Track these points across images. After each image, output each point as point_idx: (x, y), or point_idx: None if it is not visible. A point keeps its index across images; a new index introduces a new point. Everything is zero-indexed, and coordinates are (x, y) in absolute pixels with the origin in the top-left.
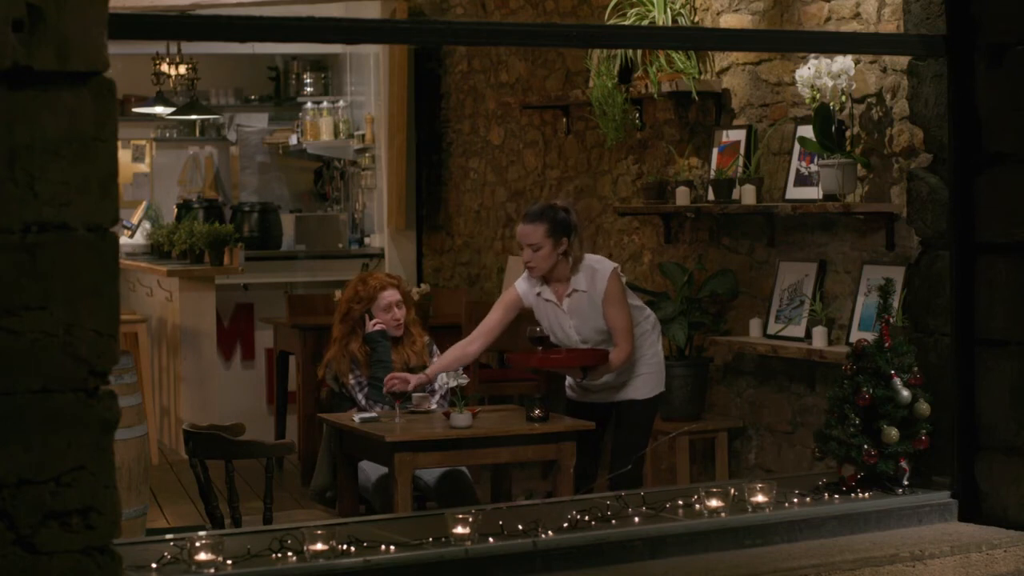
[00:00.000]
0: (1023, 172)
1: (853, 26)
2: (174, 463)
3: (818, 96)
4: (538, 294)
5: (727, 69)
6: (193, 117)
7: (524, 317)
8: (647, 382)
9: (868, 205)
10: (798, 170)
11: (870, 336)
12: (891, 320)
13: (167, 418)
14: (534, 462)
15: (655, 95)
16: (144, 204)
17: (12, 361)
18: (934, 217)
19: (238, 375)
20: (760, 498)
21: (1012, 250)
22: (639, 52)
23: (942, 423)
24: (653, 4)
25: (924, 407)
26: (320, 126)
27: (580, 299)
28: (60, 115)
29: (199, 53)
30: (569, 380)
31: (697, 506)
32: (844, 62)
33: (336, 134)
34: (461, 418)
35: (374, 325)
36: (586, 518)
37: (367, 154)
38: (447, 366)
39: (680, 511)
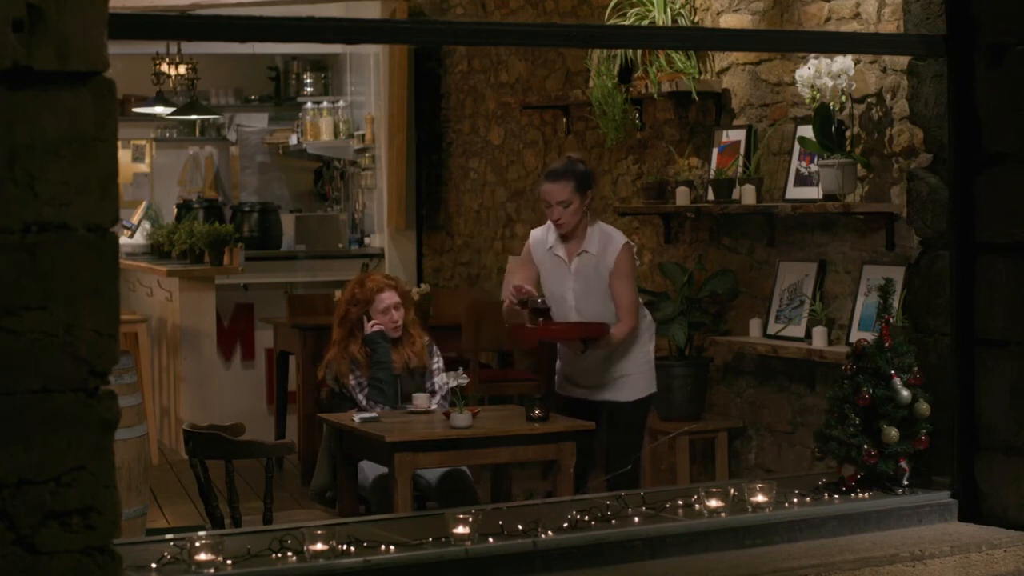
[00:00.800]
0: (1023, 172)
1: (853, 26)
2: (174, 463)
3: (818, 96)
4: (549, 248)
5: (727, 69)
6: (193, 117)
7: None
8: (634, 384)
9: (868, 205)
10: (798, 170)
11: (870, 336)
12: (891, 320)
13: (167, 418)
14: (534, 462)
15: (655, 95)
16: (144, 204)
17: (12, 361)
18: (934, 217)
19: (238, 375)
20: (760, 498)
21: (1012, 250)
22: (639, 52)
23: (942, 423)
24: (653, 4)
25: (924, 407)
26: (320, 126)
27: (588, 261)
28: (60, 115)
29: (199, 53)
30: (559, 371)
31: (697, 506)
32: (844, 62)
33: (336, 134)
34: (461, 418)
35: (372, 327)
36: (586, 518)
37: (367, 154)
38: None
39: (680, 511)
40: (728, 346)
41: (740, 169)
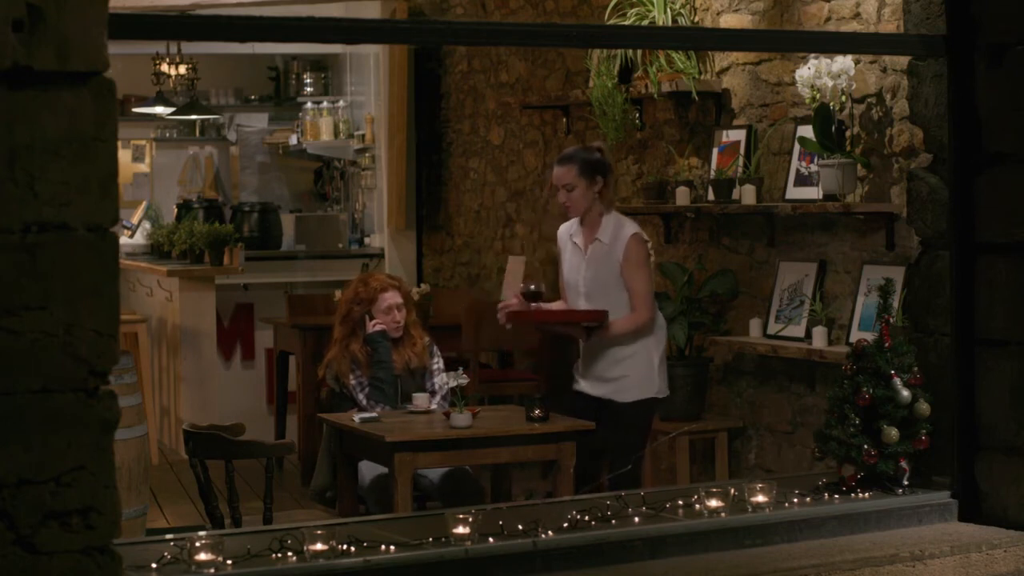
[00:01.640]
0: (1023, 172)
1: (853, 26)
2: (174, 463)
3: (818, 96)
4: (571, 236)
5: (727, 69)
6: (193, 117)
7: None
8: (632, 386)
9: (868, 205)
10: (798, 170)
11: (870, 336)
12: (891, 320)
13: (167, 418)
14: (534, 462)
15: (655, 95)
16: (144, 204)
17: (12, 361)
18: (934, 217)
19: (238, 375)
20: (760, 498)
21: (1012, 250)
22: (639, 52)
23: (942, 423)
24: (653, 4)
25: (924, 407)
26: (320, 126)
27: (600, 250)
28: (60, 115)
29: (199, 53)
30: (579, 360)
31: (697, 506)
32: (844, 62)
33: (336, 134)
34: (461, 418)
35: (374, 326)
36: (586, 518)
37: (367, 154)
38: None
39: (680, 511)
40: (728, 346)
41: (740, 169)
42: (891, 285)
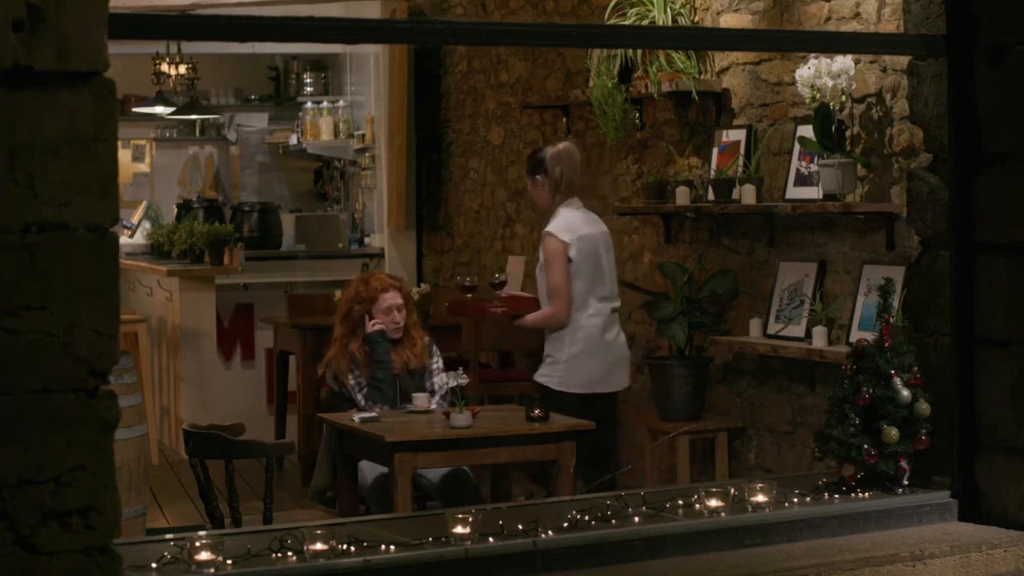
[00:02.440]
0: (1023, 172)
1: (853, 26)
2: (174, 463)
3: (818, 96)
4: None
5: (727, 69)
6: (193, 117)
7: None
8: (553, 372)
9: (868, 205)
10: (798, 170)
11: (870, 336)
12: (891, 320)
13: (167, 418)
14: (534, 462)
15: (655, 95)
16: (144, 204)
17: (12, 361)
18: (934, 217)
19: (238, 375)
20: (760, 498)
21: (1012, 250)
22: (639, 52)
23: (942, 423)
24: (653, 4)
25: (924, 407)
26: (320, 126)
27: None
28: (60, 115)
29: (199, 53)
30: None
31: (697, 506)
32: (844, 62)
33: (336, 134)
34: (461, 418)
35: (373, 326)
36: (586, 518)
37: (367, 154)
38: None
39: (680, 511)
40: (728, 346)
41: (740, 169)
42: (891, 285)
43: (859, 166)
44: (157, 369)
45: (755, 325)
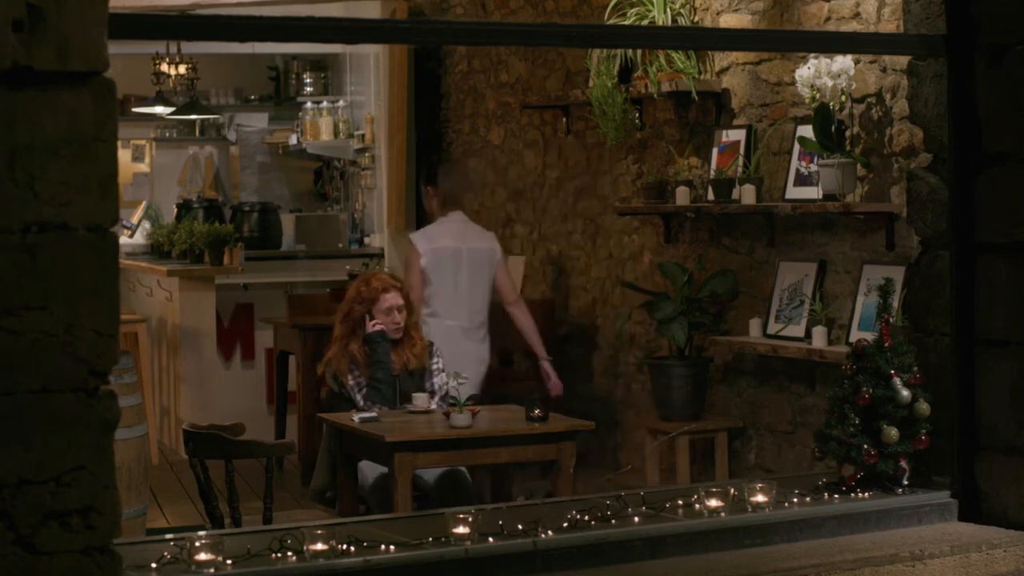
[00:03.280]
0: (1023, 172)
1: (853, 26)
2: (174, 463)
3: (818, 96)
4: None
5: (727, 69)
6: (193, 117)
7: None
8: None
9: (868, 205)
10: (798, 170)
11: (870, 336)
12: (891, 320)
13: (167, 418)
14: (534, 462)
15: (655, 95)
16: (144, 204)
17: (12, 361)
18: (934, 217)
19: (238, 375)
20: (760, 498)
21: (1012, 250)
22: (639, 52)
23: (942, 423)
24: (653, 4)
25: (924, 407)
26: (320, 126)
27: None
28: (60, 115)
29: (199, 53)
30: None
31: (697, 506)
32: (844, 62)
33: (336, 134)
34: (461, 418)
35: (374, 326)
36: (586, 518)
37: (367, 154)
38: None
39: (680, 511)
40: (728, 346)
41: (740, 169)
42: (891, 285)
43: (859, 166)
44: (157, 369)
45: (755, 325)
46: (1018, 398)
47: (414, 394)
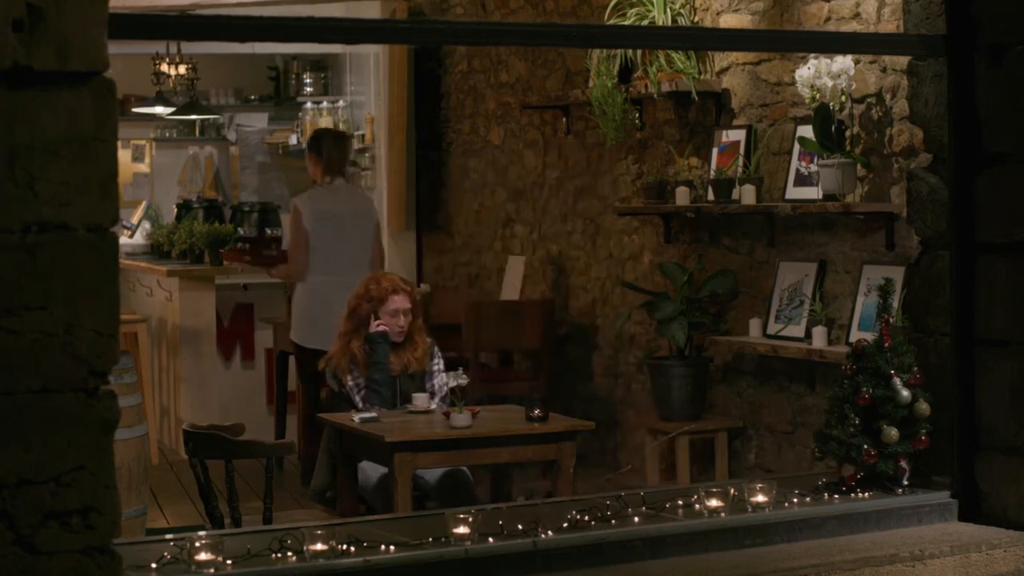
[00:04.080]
0: (1023, 172)
1: (853, 26)
2: (174, 463)
3: (818, 96)
4: None
5: (727, 69)
6: (193, 117)
7: None
8: (292, 323)
9: (868, 205)
10: (798, 170)
11: (870, 336)
12: (891, 320)
13: (167, 418)
14: (534, 462)
15: (655, 95)
16: (144, 204)
17: (12, 361)
18: (934, 217)
19: (238, 375)
20: (760, 498)
21: (1012, 250)
22: (639, 52)
23: (942, 423)
24: (653, 4)
25: (924, 407)
26: (320, 126)
27: None
28: (60, 115)
29: (199, 53)
30: None
31: (697, 506)
32: (844, 62)
33: None
34: (461, 418)
35: (377, 326)
36: (586, 518)
37: (367, 154)
38: None
39: (680, 511)
40: (728, 346)
41: (740, 169)
42: (891, 285)
43: (859, 166)
44: (157, 369)
45: (755, 325)
46: (1018, 398)
47: (414, 394)
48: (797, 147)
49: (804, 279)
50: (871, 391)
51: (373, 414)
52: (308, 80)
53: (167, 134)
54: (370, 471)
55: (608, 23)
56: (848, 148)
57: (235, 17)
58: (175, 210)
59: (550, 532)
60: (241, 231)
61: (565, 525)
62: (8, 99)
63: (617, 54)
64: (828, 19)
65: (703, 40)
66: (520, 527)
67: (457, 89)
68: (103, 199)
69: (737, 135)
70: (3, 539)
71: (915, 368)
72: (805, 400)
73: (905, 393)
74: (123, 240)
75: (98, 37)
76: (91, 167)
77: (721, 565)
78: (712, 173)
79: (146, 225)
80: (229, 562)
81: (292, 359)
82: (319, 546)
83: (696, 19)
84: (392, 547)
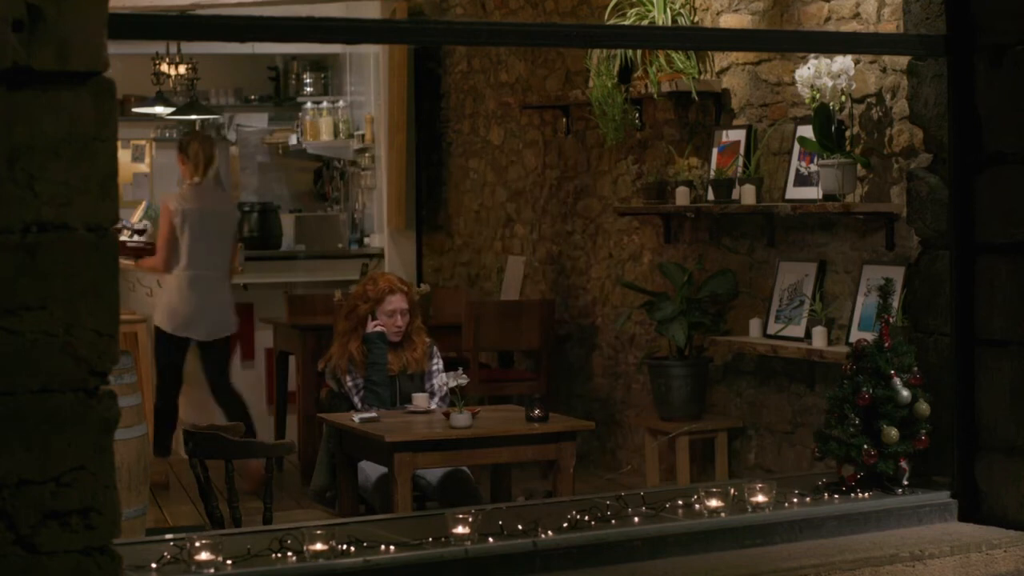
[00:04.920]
0: (1023, 172)
1: (853, 26)
2: (174, 463)
3: (818, 96)
4: None
5: (727, 69)
6: (193, 117)
7: None
8: (160, 312)
9: (868, 205)
10: (798, 170)
11: (870, 336)
12: (891, 320)
13: None
14: (534, 462)
15: (655, 95)
16: (144, 204)
17: (12, 361)
18: (934, 217)
19: (238, 375)
20: (760, 498)
21: (1012, 250)
22: (639, 52)
23: (942, 423)
24: (653, 4)
25: (924, 407)
26: (320, 126)
27: None
28: (60, 115)
29: (199, 53)
30: None
31: (697, 506)
32: (844, 62)
33: (336, 134)
34: (461, 418)
35: (375, 326)
36: (586, 518)
37: (367, 154)
38: None
39: (680, 511)
40: (728, 346)
41: (740, 169)
42: (891, 285)
43: (859, 166)
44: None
45: (755, 325)
46: (1018, 398)
47: (414, 394)
48: (797, 147)
49: (804, 279)
50: (871, 391)
51: (373, 414)
52: (308, 80)
53: (167, 134)
54: (370, 471)
55: (608, 23)
56: (848, 148)
57: (235, 17)
58: None
59: (550, 532)
60: (126, 222)
61: (565, 525)
62: (8, 99)
63: (617, 54)
64: (828, 19)
65: (703, 40)
66: (520, 527)
67: (457, 89)
68: (103, 199)
69: (737, 135)
70: (3, 539)
71: (915, 368)
72: (805, 400)
73: (905, 393)
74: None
75: (98, 37)
76: (91, 167)
77: (721, 565)
78: (712, 173)
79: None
80: (229, 562)
81: (292, 359)
82: (319, 546)
83: (696, 19)
84: (392, 547)
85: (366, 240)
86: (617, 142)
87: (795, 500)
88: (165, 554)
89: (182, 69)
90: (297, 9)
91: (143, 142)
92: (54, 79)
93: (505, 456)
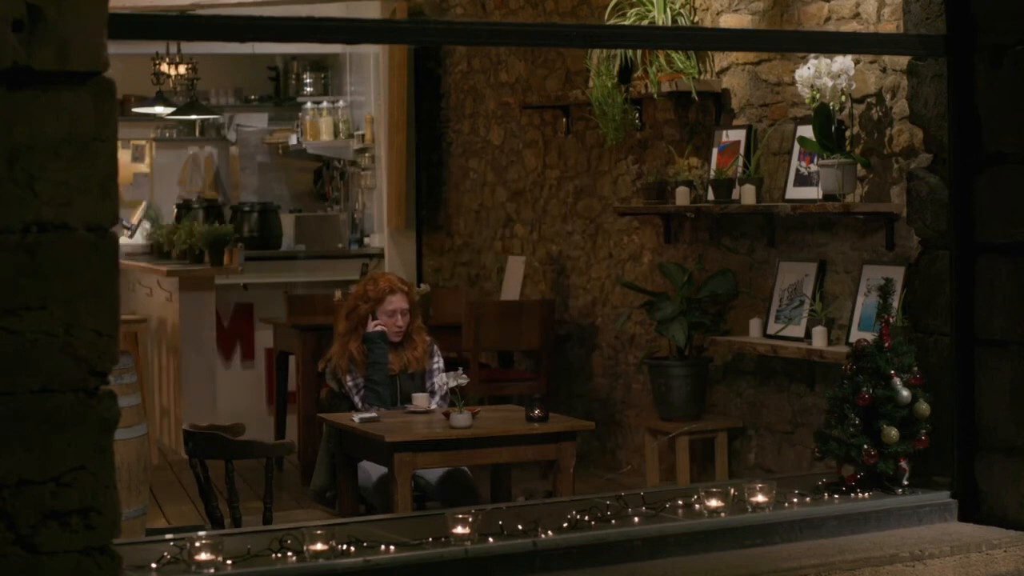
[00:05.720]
0: (1023, 172)
1: (853, 26)
2: (174, 463)
3: (818, 96)
4: None
5: (727, 69)
6: (193, 117)
7: None
8: None
9: (868, 205)
10: (798, 170)
11: (870, 336)
12: (891, 320)
13: (167, 418)
14: (534, 462)
15: (655, 95)
16: (144, 204)
17: (12, 361)
18: (934, 217)
19: (238, 375)
20: (760, 498)
21: (1012, 250)
22: (639, 52)
23: (942, 423)
24: (653, 4)
25: (924, 407)
26: (320, 126)
27: None
28: (60, 115)
29: (199, 53)
30: None
31: (697, 506)
32: (844, 62)
33: (336, 134)
34: (461, 418)
35: (375, 326)
36: (586, 518)
37: (367, 154)
38: None
39: (680, 511)
40: (728, 346)
41: (740, 169)
42: (891, 285)
43: (859, 166)
44: (157, 369)
45: (755, 325)
46: (1018, 398)
47: (414, 394)
48: (797, 147)
49: (804, 279)
50: (871, 391)
51: (373, 414)
52: (308, 80)
53: (167, 134)
54: (370, 471)
55: (608, 23)
56: (848, 148)
57: (235, 17)
58: (175, 210)
59: (550, 532)
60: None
61: (565, 525)
62: (8, 99)
63: (617, 54)
64: (828, 19)
65: (703, 40)
66: (520, 527)
67: (457, 89)
68: (103, 199)
69: (737, 135)
70: (3, 539)
71: (915, 368)
72: (805, 400)
73: (905, 393)
74: (123, 240)
75: (98, 37)
76: (91, 167)
77: (721, 565)
78: (712, 173)
79: (146, 225)
80: (229, 562)
81: (292, 359)
82: (319, 546)
83: (696, 19)
84: (392, 547)
85: (366, 240)
86: (617, 142)
87: (795, 500)
88: (165, 554)
89: (182, 69)
90: (297, 9)
91: (143, 142)
92: (54, 79)
93: (505, 456)
